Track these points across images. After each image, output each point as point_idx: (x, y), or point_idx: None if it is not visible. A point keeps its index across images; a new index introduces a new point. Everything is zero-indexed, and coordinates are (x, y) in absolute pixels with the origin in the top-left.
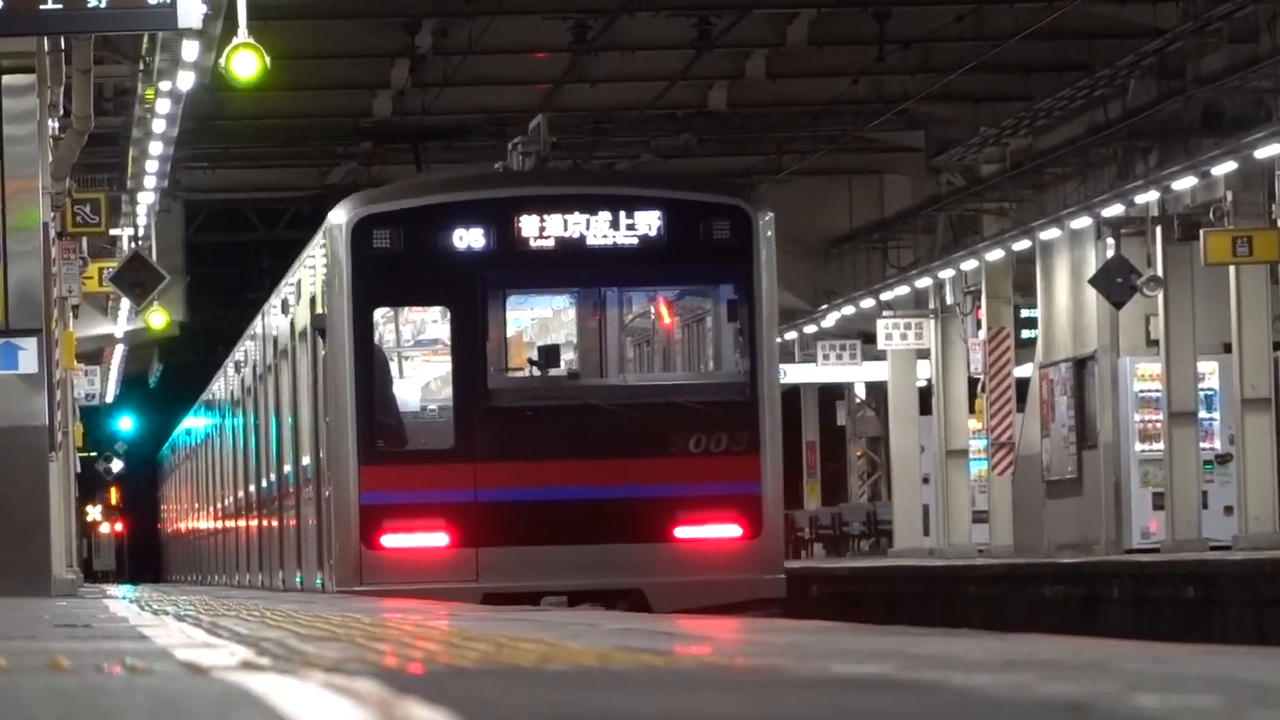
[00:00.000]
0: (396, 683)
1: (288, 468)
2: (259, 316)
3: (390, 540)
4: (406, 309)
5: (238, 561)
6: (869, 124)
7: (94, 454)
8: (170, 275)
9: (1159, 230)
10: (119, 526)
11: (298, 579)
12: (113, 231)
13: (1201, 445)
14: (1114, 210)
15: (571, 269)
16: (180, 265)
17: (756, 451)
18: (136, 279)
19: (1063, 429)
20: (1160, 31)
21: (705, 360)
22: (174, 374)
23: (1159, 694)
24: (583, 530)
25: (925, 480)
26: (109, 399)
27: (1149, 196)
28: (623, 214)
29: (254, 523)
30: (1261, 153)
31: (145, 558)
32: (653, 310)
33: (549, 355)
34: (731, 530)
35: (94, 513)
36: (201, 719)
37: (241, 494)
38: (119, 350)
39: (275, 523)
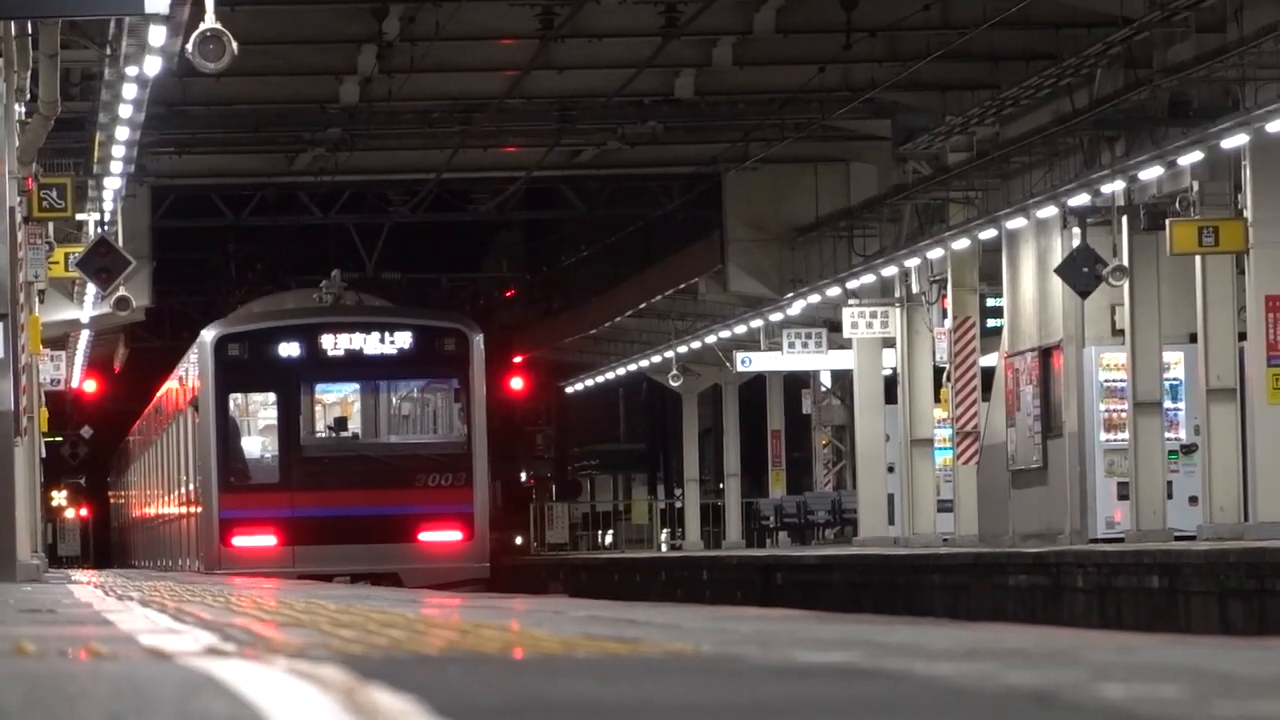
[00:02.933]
0: (361, 669)
1: (181, 490)
2: (166, 383)
3: (238, 541)
4: (250, 394)
5: (156, 551)
6: (836, 112)
7: (59, 439)
8: (136, 260)
9: (1125, 220)
10: (84, 512)
11: (185, 564)
12: (79, 216)
13: (1167, 435)
14: (1080, 199)
15: (355, 368)
16: (147, 250)
17: (470, 485)
18: (103, 264)
19: (1028, 418)
20: (1127, 21)
21: (438, 427)
22: (140, 358)
23: (1124, 683)
24: (360, 534)
25: (890, 469)
26: (74, 383)
27: (1115, 186)
28: (387, 333)
29: (164, 525)
30: (1228, 143)
31: (109, 544)
32: (408, 395)
33: (340, 423)
34: (454, 535)
35: (59, 498)
36: (166, 704)
37: (156, 504)
38: (84, 335)
39: (174, 526)
